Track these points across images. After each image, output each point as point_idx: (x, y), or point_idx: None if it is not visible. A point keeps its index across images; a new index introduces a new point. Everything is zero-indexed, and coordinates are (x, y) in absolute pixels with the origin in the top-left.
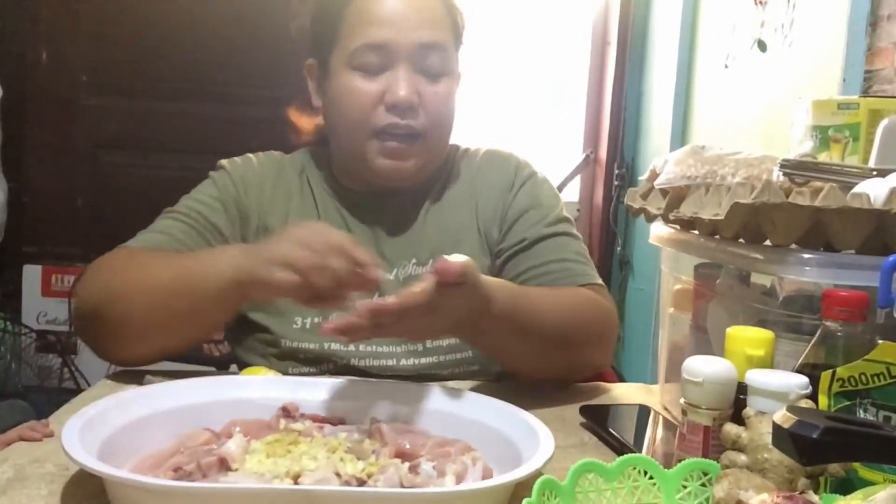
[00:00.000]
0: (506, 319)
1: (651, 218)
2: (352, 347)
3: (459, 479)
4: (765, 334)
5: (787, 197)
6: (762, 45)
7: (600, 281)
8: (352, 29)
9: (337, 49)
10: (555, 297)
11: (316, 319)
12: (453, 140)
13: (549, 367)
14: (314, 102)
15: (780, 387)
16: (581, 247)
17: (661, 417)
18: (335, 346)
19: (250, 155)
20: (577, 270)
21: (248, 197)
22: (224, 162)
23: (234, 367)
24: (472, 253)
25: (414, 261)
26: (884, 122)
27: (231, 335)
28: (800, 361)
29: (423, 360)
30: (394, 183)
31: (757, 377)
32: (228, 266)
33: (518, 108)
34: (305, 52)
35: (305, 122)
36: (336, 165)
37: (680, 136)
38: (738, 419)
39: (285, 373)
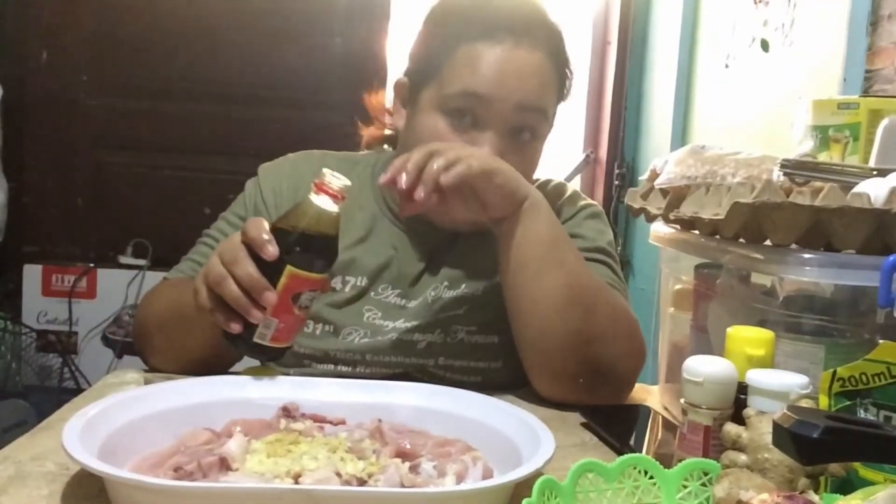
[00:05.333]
0: (544, 221)
1: (651, 218)
2: (357, 356)
3: (460, 478)
4: (765, 334)
5: (788, 197)
6: (765, 45)
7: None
8: (454, 72)
9: (433, 86)
10: (592, 278)
11: (327, 327)
12: None
13: (569, 325)
14: (396, 121)
15: (780, 386)
16: (615, 275)
17: (661, 417)
18: (340, 354)
19: (288, 156)
20: None
21: (278, 208)
22: (261, 168)
23: (233, 367)
24: None
25: (446, 283)
26: (884, 122)
27: None
28: None
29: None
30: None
31: (757, 377)
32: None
33: None
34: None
35: (370, 132)
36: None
37: (680, 136)
38: (739, 419)
39: (287, 372)
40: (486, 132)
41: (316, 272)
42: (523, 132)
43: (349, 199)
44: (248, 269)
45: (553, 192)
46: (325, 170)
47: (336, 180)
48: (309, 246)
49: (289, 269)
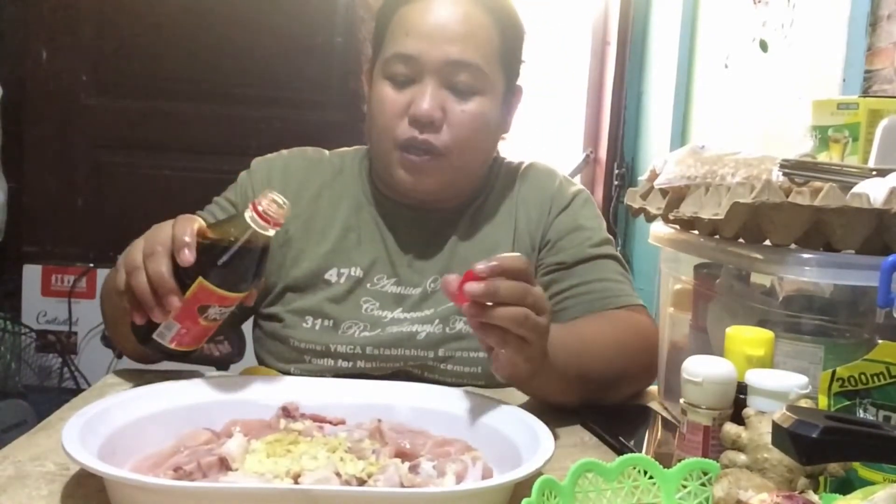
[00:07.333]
0: (559, 360)
1: (651, 218)
2: (357, 349)
3: (459, 478)
4: (765, 334)
5: (787, 197)
6: (764, 45)
7: (641, 301)
8: (391, 38)
9: (380, 56)
10: (602, 335)
11: (327, 322)
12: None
13: (594, 398)
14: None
15: (779, 387)
16: (621, 267)
17: (660, 417)
18: (341, 349)
19: (283, 152)
20: (618, 291)
21: None
22: (255, 161)
23: (234, 367)
24: None
25: (444, 274)
26: (883, 122)
27: (254, 335)
28: None
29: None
30: (417, 197)
31: (757, 377)
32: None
33: (518, 108)
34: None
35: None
36: (374, 172)
37: (680, 135)
38: (738, 419)
39: (287, 368)
40: (423, 85)
41: (228, 291)
42: (461, 89)
43: (336, 188)
44: (160, 267)
45: (545, 176)
46: (267, 191)
47: (275, 207)
48: (227, 263)
49: (200, 280)
